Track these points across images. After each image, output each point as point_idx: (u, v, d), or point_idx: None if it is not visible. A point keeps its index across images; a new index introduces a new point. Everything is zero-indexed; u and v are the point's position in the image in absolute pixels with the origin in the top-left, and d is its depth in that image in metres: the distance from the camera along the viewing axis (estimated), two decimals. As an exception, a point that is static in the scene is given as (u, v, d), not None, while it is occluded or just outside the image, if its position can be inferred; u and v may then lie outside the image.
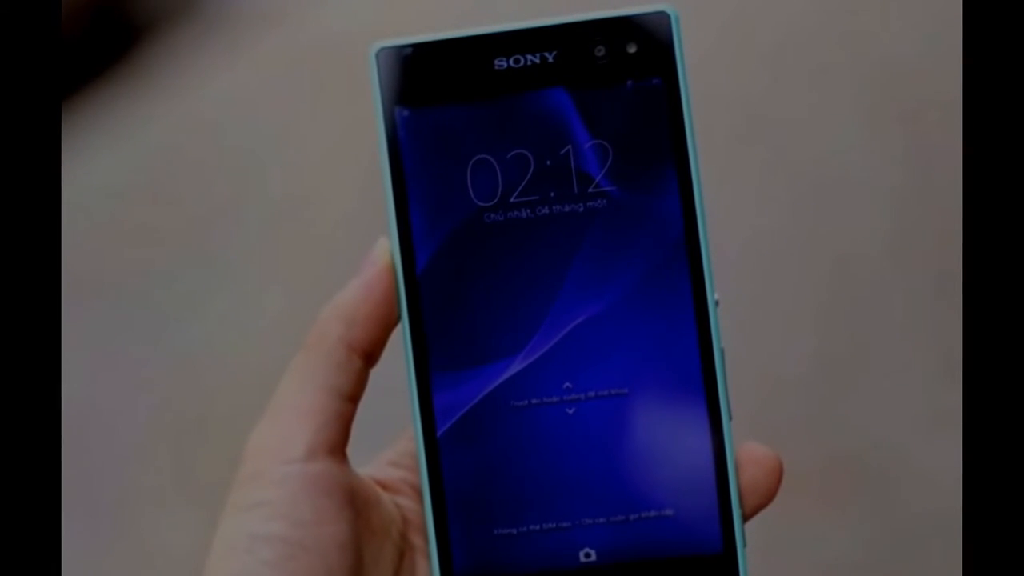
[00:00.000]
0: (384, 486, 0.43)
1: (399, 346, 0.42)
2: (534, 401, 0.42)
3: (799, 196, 1.44)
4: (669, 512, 0.42)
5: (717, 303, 0.42)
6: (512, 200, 0.42)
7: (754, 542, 0.43)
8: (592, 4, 0.45)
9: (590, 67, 0.42)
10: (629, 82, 0.42)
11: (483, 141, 0.42)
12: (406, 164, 0.42)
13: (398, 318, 0.42)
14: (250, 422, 0.41)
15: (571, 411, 0.42)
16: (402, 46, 0.43)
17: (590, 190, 0.42)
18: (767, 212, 1.42)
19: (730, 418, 0.42)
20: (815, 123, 1.52)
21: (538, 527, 0.42)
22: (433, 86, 0.42)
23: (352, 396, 0.42)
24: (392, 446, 0.45)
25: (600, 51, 0.42)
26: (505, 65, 0.42)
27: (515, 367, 0.42)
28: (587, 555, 0.42)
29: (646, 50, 0.42)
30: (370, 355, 0.42)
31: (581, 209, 0.42)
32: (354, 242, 0.57)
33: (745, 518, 0.42)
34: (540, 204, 0.42)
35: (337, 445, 0.41)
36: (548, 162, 0.42)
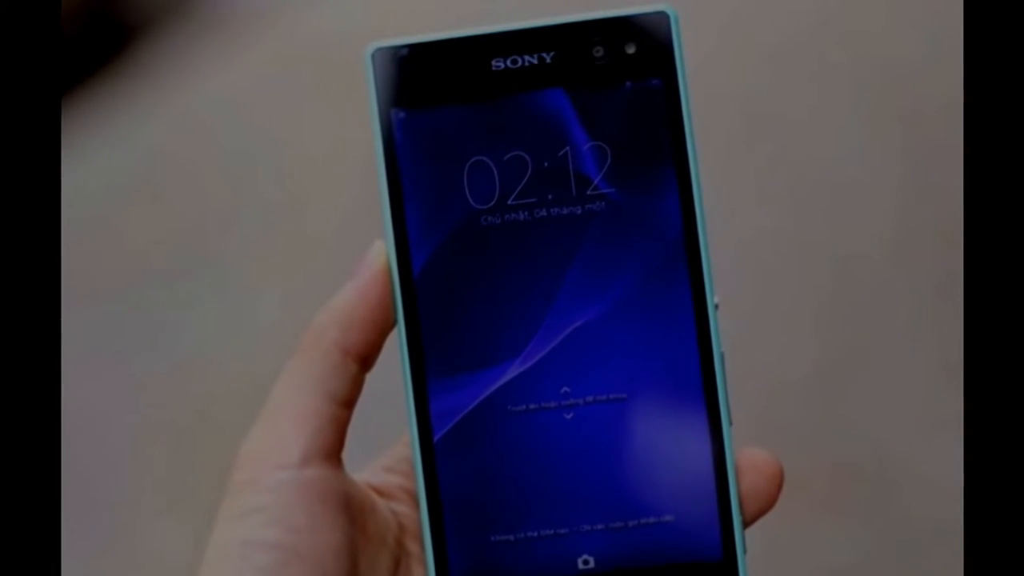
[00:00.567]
0: (380, 492, 0.43)
1: (395, 350, 0.42)
2: (532, 406, 0.42)
3: (799, 197, 1.43)
4: (669, 518, 0.41)
5: (717, 306, 0.42)
6: (510, 202, 0.42)
7: (755, 548, 0.42)
8: (591, 4, 0.45)
9: (589, 68, 0.42)
10: (628, 83, 0.42)
11: (480, 143, 0.42)
12: (402, 166, 0.42)
13: (394, 322, 0.42)
14: (244, 427, 0.41)
15: (569, 416, 0.42)
16: (398, 46, 0.42)
17: (588, 192, 0.42)
18: (767, 213, 1.42)
19: (730, 423, 0.42)
20: (815, 123, 1.52)
21: (536, 534, 0.42)
22: (430, 87, 0.42)
23: (347, 401, 0.41)
24: (388, 452, 0.45)
25: (599, 52, 0.42)
26: (503, 66, 0.42)
27: (513, 371, 0.42)
28: (586, 562, 0.42)
29: (645, 51, 0.42)
30: (366, 359, 0.41)
31: (579, 211, 0.42)
32: (351, 245, 0.57)
33: (746, 524, 0.42)
34: (538, 206, 0.42)
35: (332, 450, 0.41)
36: (546, 164, 0.42)
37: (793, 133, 1.51)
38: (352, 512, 0.40)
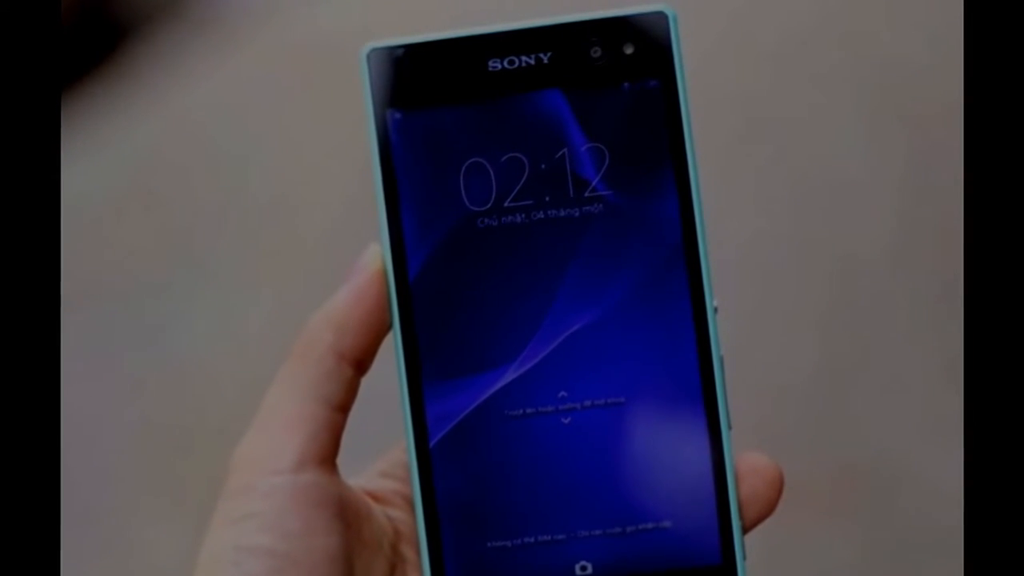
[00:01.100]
0: (375, 498, 0.43)
1: (390, 354, 0.42)
2: (529, 410, 0.41)
3: (800, 198, 1.43)
4: (667, 524, 0.41)
5: (716, 310, 0.42)
6: (506, 204, 0.42)
7: (754, 554, 0.42)
8: (589, 4, 0.45)
9: (586, 68, 0.42)
10: (626, 84, 0.42)
11: (477, 144, 0.42)
12: (398, 168, 0.42)
13: (389, 325, 0.41)
14: (239, 430, 0.41)
15: (567, 421, 0.41)
16: (394, 47, 0.42)
17: (586, 194, 0.42)
18: (767, 214, 1.42)
19: (730, 427, 0.41)
20: (816, 124, 1.52)
21: (533, 540, 0.41)
22: (426, 88, 0.42)
23: (342, 405, 0.41)
24: (383, 457, 0.44)
25: (596, 52, 0.42)
26: (499, 66, 0.42)
27: (509, 376, 0.41)
28: (583, 568, 0.41)
29: (643, 51, 0.41)
30: (361, 363, 0.41)
31: (577, 214, 0.42)
32: (345, 248, 0.57)
33: (745, 530, 0.41)
34: (535, 208, 0.42)
35: (327, 456, 0.40)
36: (543, 165, 0.42)
37: (793, 133, 1.51)
38: (347, 517, 0.40)
